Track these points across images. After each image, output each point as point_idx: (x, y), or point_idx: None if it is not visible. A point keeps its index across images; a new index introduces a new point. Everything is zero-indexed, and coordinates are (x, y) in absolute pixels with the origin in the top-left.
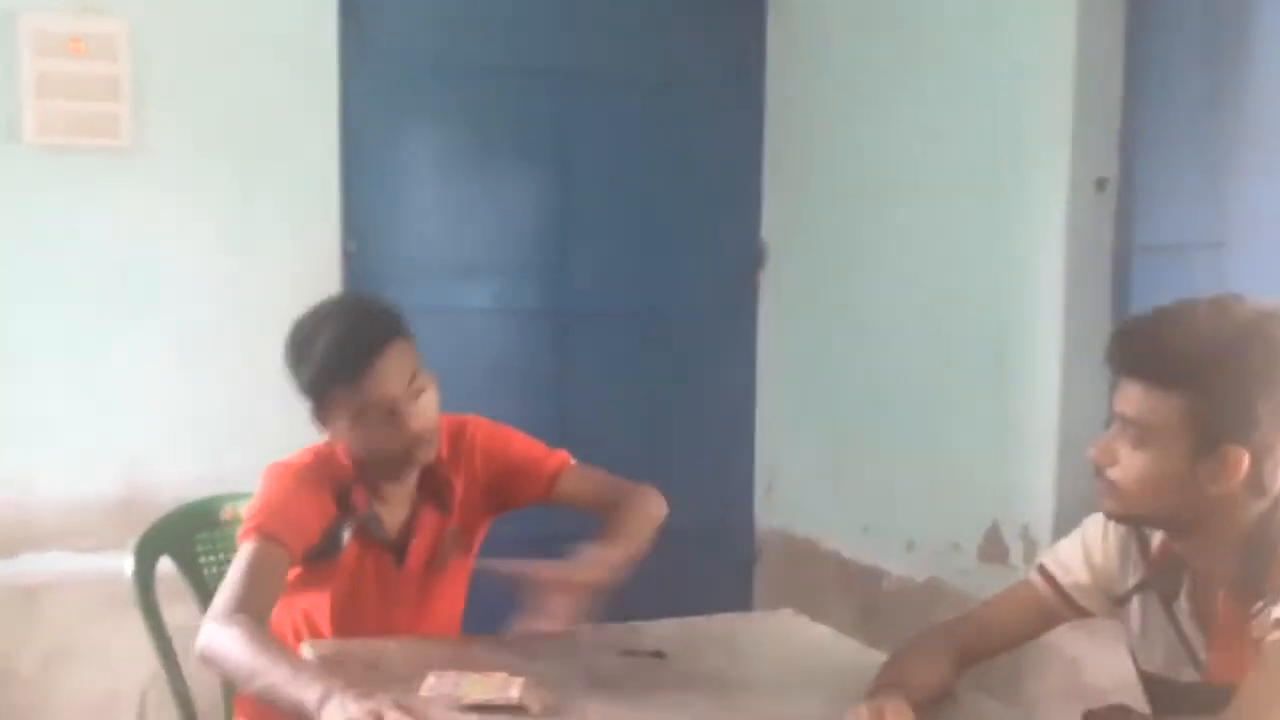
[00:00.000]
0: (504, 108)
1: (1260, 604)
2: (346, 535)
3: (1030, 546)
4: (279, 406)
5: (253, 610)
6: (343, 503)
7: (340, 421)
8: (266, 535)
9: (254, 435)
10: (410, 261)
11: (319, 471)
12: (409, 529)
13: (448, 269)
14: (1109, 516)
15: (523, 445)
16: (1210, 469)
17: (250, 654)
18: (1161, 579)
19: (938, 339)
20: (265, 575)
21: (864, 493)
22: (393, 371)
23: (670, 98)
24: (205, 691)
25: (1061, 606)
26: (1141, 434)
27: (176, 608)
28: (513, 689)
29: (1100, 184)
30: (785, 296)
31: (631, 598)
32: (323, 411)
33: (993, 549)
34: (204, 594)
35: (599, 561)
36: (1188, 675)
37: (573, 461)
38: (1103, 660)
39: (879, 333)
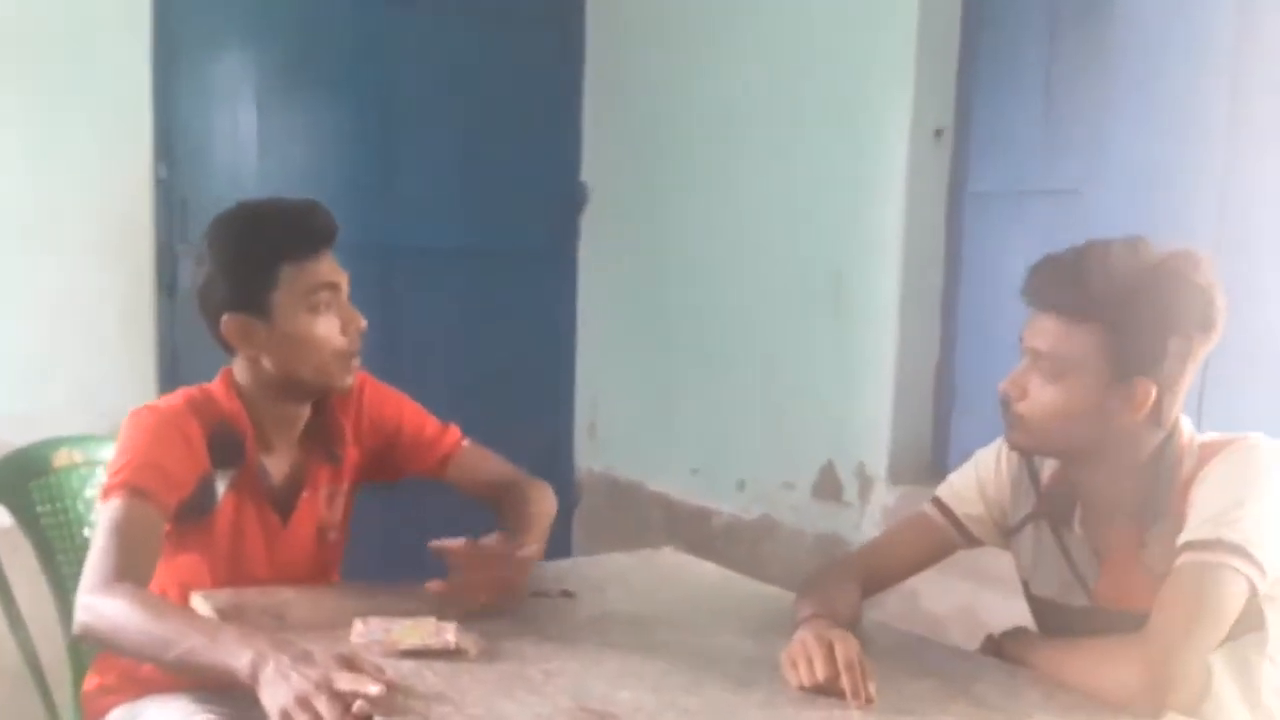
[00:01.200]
0: (326, 30)
1: (1154, 531)
2: (222, 488)
3: (866, 484)
4: (90, 340)
5: (134, 576)
6: (219, 451)
7: (279, 312)
8: (135, 491)
9: (66, 372)
10: (224, 191)
11: (191, 416)
12: (295, 482)
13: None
14: (1016, 448)
15: (414, 415)
16: (1119, 401)
17: (150, 624)
18: (1053, 508)
19: (772, 282)
20: (140, 536)
21: (693, 434)
22: (337, 264)
23: (492, 28)
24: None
25: (956, 536)
26: (1055, 367)
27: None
28: (447, 633)
29: (938, 133)
30: (607, 238)
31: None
32: (254, 302)
33: (827, 486)
34: (43, 546)
35: (532, 546)
36: (1078, 600)
37: (465, 441)
38: (937, 588)
39: (707, 275)
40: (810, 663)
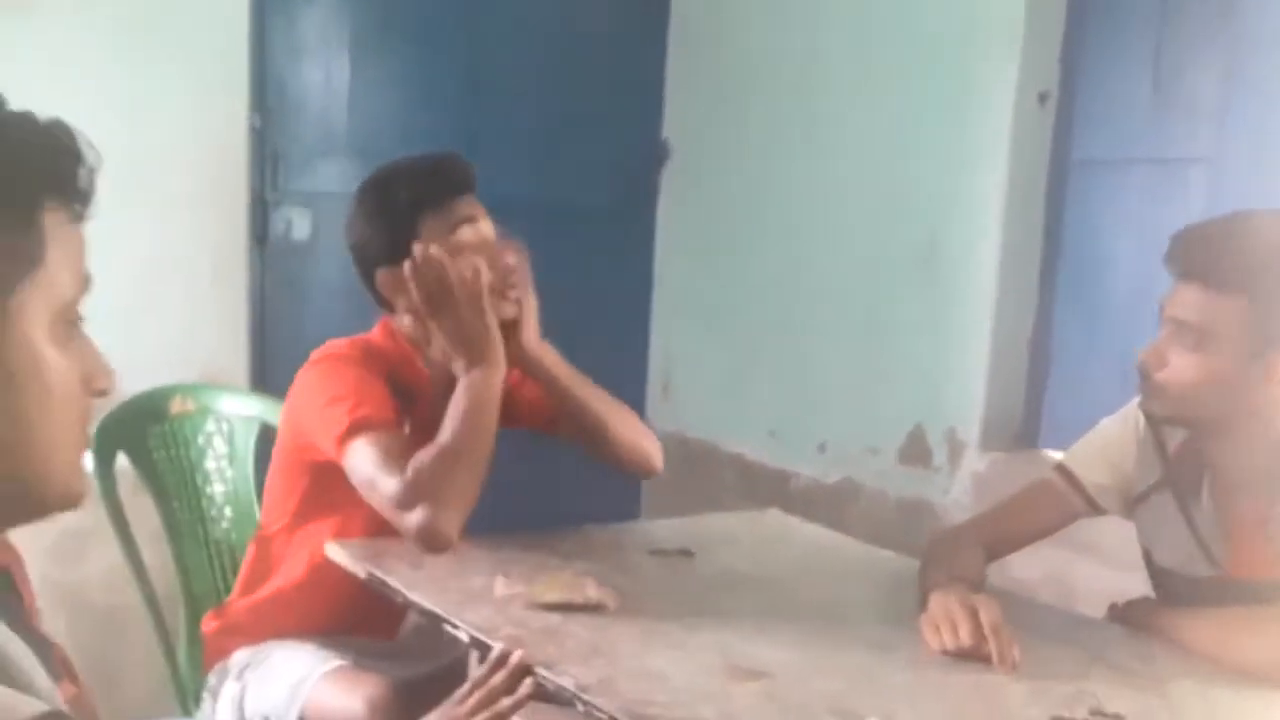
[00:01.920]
0: None
1: None
2: (407, 430)
3: (956, 449)
4: (184, 290)
5: None
6: (400, 398)
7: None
8: (374, 424)
9: (160, 321)
10: (316, 142)
11: (370, 364)
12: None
13: (355, 151)
14: (1152, 418)
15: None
16: (1260, 373)
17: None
18: (1180, 479)
19: (862, 244)
20: (403, 453)
21: (771, 397)
22: (480, 207)
23: None
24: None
25: (1081, 505)
26: (1197, 337)
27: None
28: (588, 588)
29: (1042, 98)
30: (688, 196)
31: (517, 504)
32: (402, 255)
33: (915, 451)
34: (161, 492)
35: None
36: (1202, 570)
37: None
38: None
39: (791, 236)
40: (954, 627)
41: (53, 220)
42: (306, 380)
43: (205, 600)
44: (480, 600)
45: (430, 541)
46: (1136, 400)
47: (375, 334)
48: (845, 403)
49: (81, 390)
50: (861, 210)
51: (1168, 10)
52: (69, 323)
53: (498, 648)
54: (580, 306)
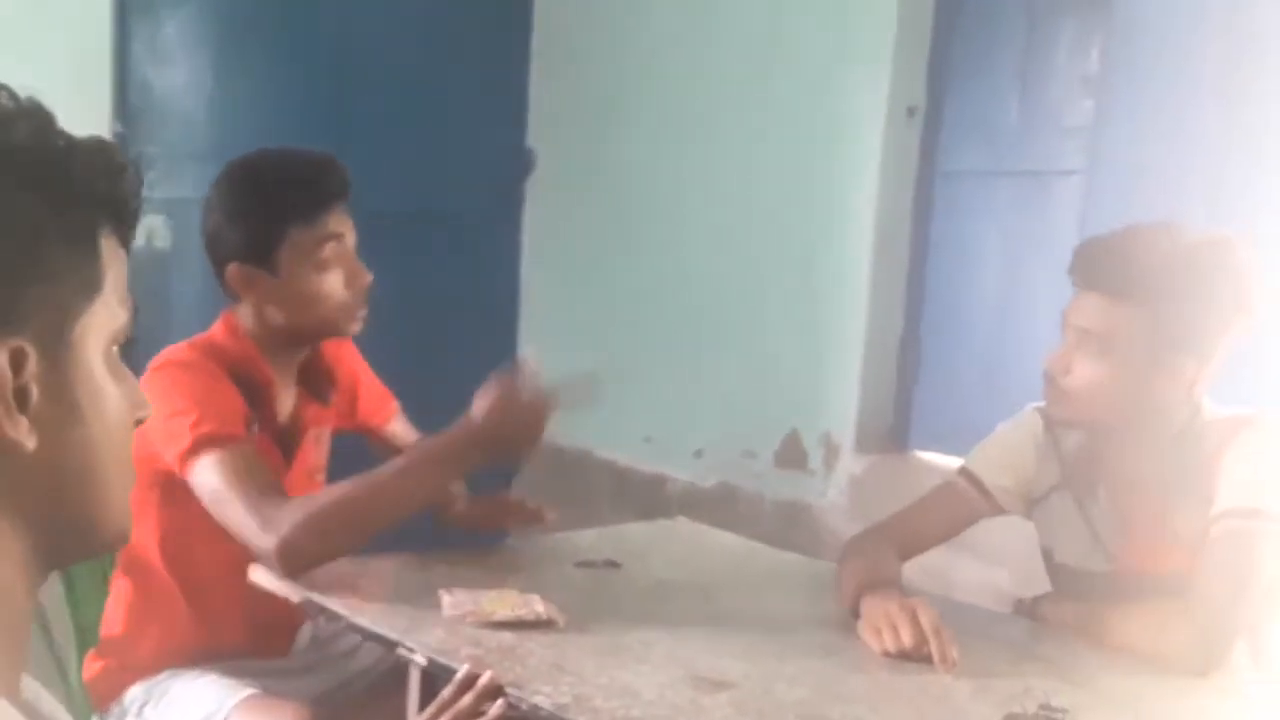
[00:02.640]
0: None
1: (1180, 500)
2: (255, 430)
3: (832, 452)
4: None
5: (282, 494)
6: (247, 396)
7: (285, 268)
8: (221, 439)
9: None
10: (180, 148)
11: (216, 364)
12: (296, 422)
13: (219, 157)
14: (1059, 422)
15: (368, 370)
16: (1162, 378)
17: (366, 492)
18: (1077, 479)
19: (736, 252)
20: (258, 469)
21: (646, 403)
22: (348, 218)
23: None
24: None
25: (984, 506)
26: (1100, 344)
27: None
28: (536, 604)
29: (910, 111)
30: (555, 204)
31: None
32: (261, 256)
33: (791, 455)
34: None
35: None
36: (1100, 566)
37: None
38: None
39: (664, 244)
40: (895, 629)
41: (108, 245)
42: (146, 391)
43: (94, 632)
44: (429, 621)
45: (289, 571)
46: (1032, 405)
47: (217, 331)
48: (721, 408)
49: (131, 421)
50: (735, 219)
51: (1034, 26)
52: (116, 350)
53: (463, 669)
54: (446, 315)
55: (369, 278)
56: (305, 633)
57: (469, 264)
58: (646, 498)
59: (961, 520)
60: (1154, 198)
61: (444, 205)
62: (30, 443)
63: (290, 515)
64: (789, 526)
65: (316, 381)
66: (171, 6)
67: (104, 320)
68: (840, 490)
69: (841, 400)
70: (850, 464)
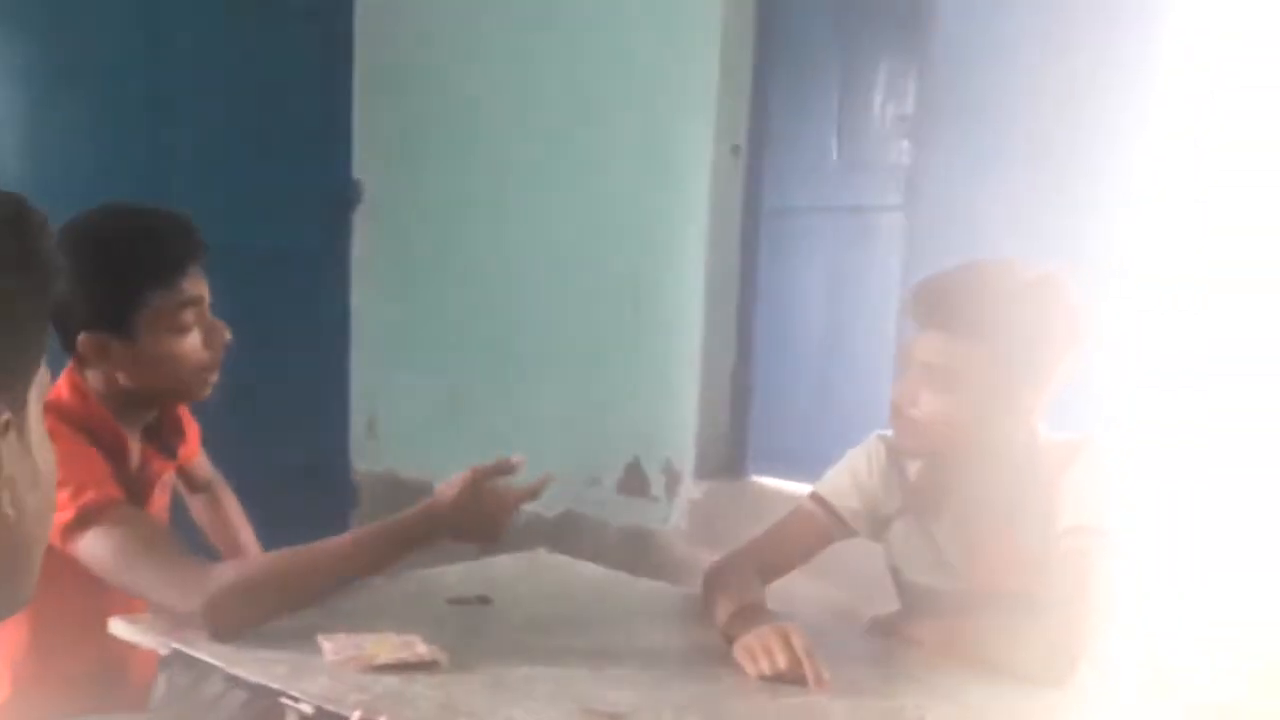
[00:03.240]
0: (96, 20)
1: (1023, 519)
2: None
3: (673, 479)
4: None
5: (198, 558)
6: (107, 455)
7: (142, 333)
8: (105, 506)
9: None
10: None
11: (71, 428)
12: (144, 475)
13: (33, 194)
14: (906, 452)
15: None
16: (1004, 408)
17: (300, 563)
18: (921, 503)
19: (567, 284)
20: (158, 531)
21: (485, 433)
22: (203, 278)
23: (257, 17)
24: None
25: (836, 529)
26: (946, 378)
27: None
28: (417, 645)
29: (734, 150)
30: (385, 236)
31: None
32: (115, 323)
33: (633, 482)
34: None
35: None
36: (948, 584)
37: None
38: None
39: (496, 275)
40: (770, 653)
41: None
42: None
43: None
44: (310, 668)
45: (216, 633)
46: (876, 433)
47: (63, 393)
48: (563, 436)
49: None
50: (568, 249)
51: (850, 68)
52: None
53: (355, 716)
54: (275, 349)
55: (227, 335)
56: (160, 685)
57: (299, 297)
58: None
59: (816, 543)
60: (970, 232)
61: (270, 238)
62: (10, 511)
63: (219, 578)
64: (633, 552)
65: (164, 434)
66: None
67: (43, 378)
68: (683, 513)
69: (680, 428)
70: (692, 490)
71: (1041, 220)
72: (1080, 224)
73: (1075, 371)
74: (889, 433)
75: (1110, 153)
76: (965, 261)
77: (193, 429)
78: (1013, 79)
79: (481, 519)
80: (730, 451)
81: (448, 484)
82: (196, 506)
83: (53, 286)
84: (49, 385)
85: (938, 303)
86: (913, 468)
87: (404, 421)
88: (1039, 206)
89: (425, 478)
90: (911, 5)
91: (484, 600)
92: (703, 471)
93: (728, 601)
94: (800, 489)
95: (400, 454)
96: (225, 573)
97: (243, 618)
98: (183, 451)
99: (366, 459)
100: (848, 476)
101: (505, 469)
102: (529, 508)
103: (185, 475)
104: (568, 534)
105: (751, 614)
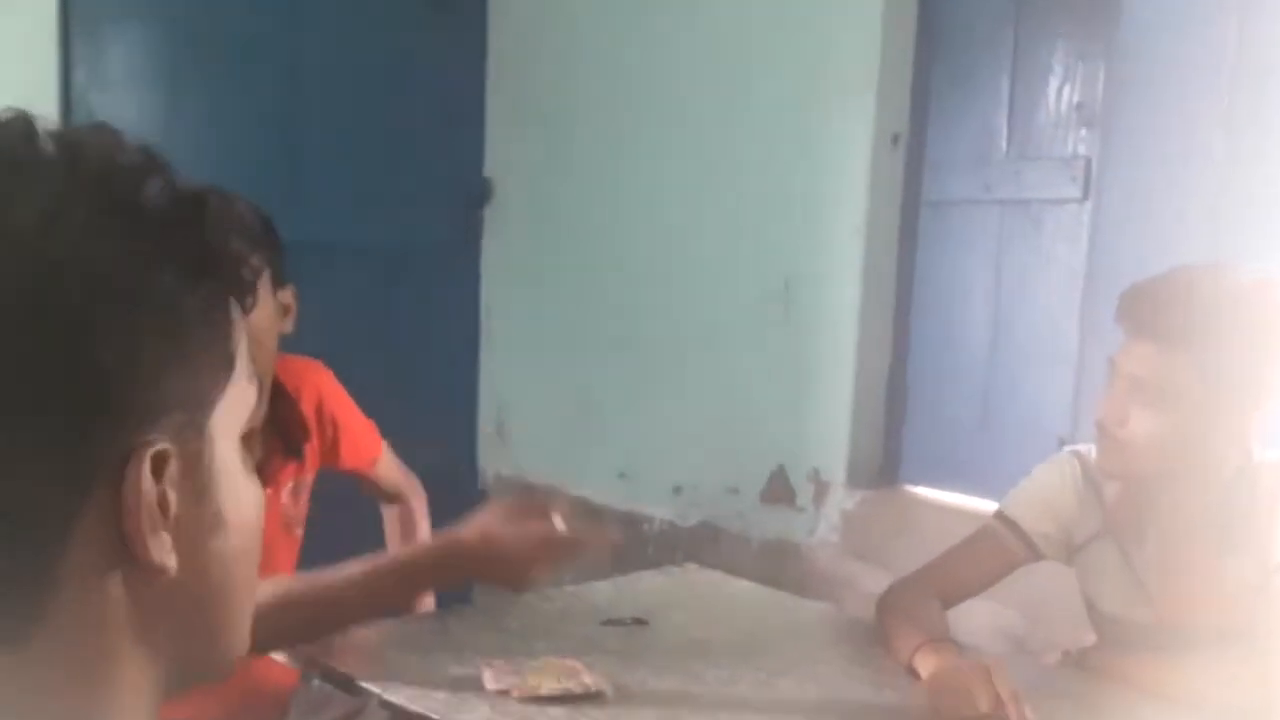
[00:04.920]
0: (232, 12)
1: (1232, 548)
2: None
3: (821, 489)
4: None
5: None
6: None
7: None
8: None
9: None
10: None
11: None
12: (262, 474)
13: None
14: (1114, 474)
15: (353, 408)
16: (1220, 428)
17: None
18: (1121, 527)
19: (713, 284)
20: None
21: (621, 438)
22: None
23: (390, 13)
24: None
25: (1025, 553)
26: (1156, 394)
27: None
28: (583, 675)
29: (895, 139)
30: (515, 233)
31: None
32: None
33: (777, 491)
34: None
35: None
36: (1144, 616)
37: (385, 442)
38: None
39: (636, 274)
40: (969, 693)
41: (236, 314)
42: None
43: None
44: (470, 695)
45: None
46: (1069, 449)
47: None
48: (701, 443)
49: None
50: (712, 247)
51: (1023, 51)
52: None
53: None
54: (405, 349)
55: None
56: (296, 703)
57: (429, 296)
58: (623, 537)
59: (1001, 568)
60: (1158, 228)
61: (401, 237)
62: (172, 562)
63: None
64: (776, 566)
65: (288, 432)
66: (115, 33)
67: (237, 404)
68: (830, 527)
69: (828, 434)
70: (843, 500)
71: (1239, 216)
72: (1274, 216)
73: None
74: (1081, 447)
75: None
76: (1178, 266)
77: (362, 429)
78: (1206, 61)
79: (508, 565)
80: (884, 459)
81: (473, 521)
82: (387, 519)
83: (233, 291)
84: (250, 410)
85: (1149, 310)
86: (1110, 488)
87: (536, 425)
88: (1235, 201)
89: (555, 483)
90: None
91: (640, 622)
92: (855, 480)
93: (911, 631)
94: (959, 500)
95: (531, 458)
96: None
97: (264, 640)
98: (348, 453)
99: (495, 461)
100: (1039, 497)
101: (540, 509)
102: (663, 515)
103: (369, 484)
104: (705, 545)
105: (939, 647)
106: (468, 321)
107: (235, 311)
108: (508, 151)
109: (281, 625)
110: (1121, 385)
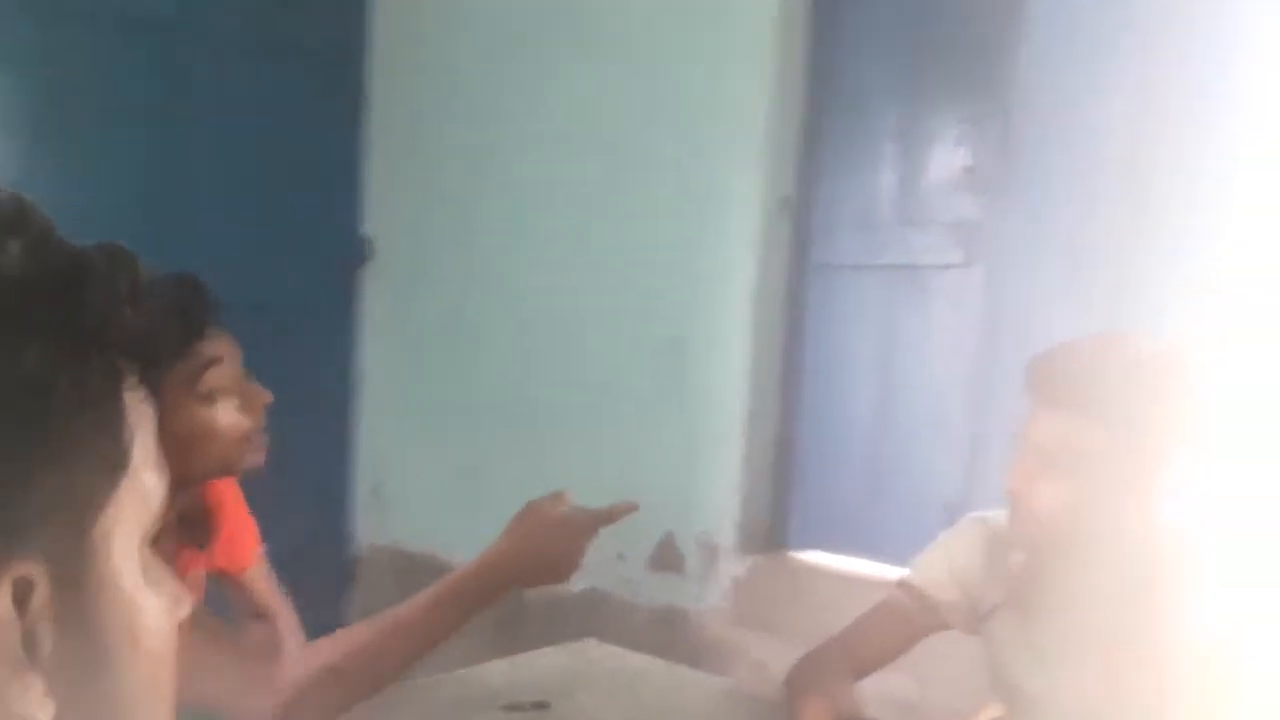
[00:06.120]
0: (95, 62)
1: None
2: None
3: (710, 554)
4: None
5: None
6: None
7: (165, 411)
8: None
9: None
10: None
11: None
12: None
13: None
14: (1025, 544)
15: (241, 502)
16: (1133, 497)
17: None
18: (1024, 596)
19: (602, 347)
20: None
21: (502, 503)
22: (225, 336)
23: (266, 69)
24: None
25: (932, 622)
26: (1067, 464)
27: None
28: None
29: (783, 202)
30: (396, 294)
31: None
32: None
33: (666, 558)
34: None
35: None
36: (1042, 687)
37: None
38: None
39: (518, 336)
40: None
41: (133, 399)
42: None
43: None
44: None
45: None
46: (972, 515)
47: None
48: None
49: (174, 636)
50: (599, 308)
51: (909, 117)
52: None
53: None
54: (275, 411)
55: (268, 397)
56: None
57: (301, 356)
58: (506, 606)
59: (907, 638)
60: (1045, 294)
61: (273, 296)
62: (44, 714)
63: (293, 670)
64: (665, 634)
65: (195, 527)
66: None
67: (133, 509)
68: (721, 593)
69: (718, 500)
70: (734, 566)
71: (1134, 275)
72: (1176, 270)
73: (1201, 452)
74: (988, 514)
75: (1202, 208)
76: (1091, 334)
77: (245, 529)
78: (1102, 124)
79: (554, 557)
80: (774, 525)
81: (515, 521)
82: (245, 639)
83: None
84: (151, 517)
85: (1061, 381)
86: (1015, 556)
87: (414, 491)
88: (1132, 260)
89: (432, 551)
90: (983, 53)
91: (541, 705)
92: (745, 546)
93: (820, 708)
94: (849, 566)
95: (408, 526)
96: (297, 665)
97: (327, 704)
98: (223, 551)
99: (371, 530)
100: (943, 564)
101: (561, 502)
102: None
103: (238, 591)
104: (592, 613)
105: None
106: (343, 383)
107: (133, 396)
108: (389, 210)
109: (355, 682)
110: (1031, 455)
